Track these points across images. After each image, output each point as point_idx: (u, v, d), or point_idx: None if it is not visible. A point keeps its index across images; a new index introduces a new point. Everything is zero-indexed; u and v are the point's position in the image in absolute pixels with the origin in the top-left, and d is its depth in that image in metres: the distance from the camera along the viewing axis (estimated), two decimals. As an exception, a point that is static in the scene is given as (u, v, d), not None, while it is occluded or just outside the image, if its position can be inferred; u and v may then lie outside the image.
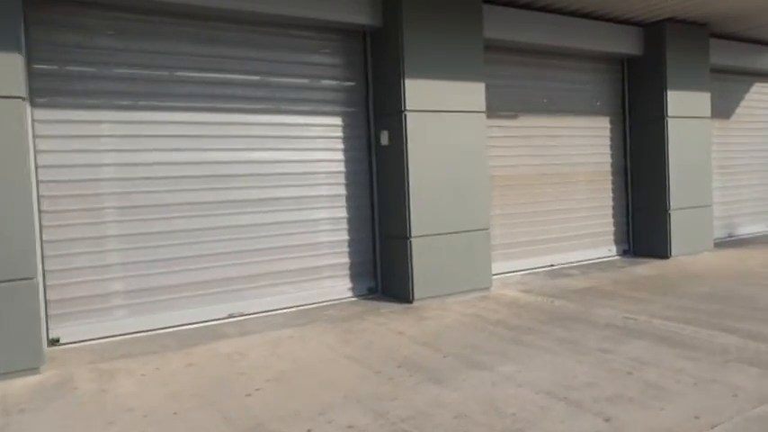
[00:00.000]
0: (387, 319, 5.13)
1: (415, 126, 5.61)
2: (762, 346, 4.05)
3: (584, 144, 7.82)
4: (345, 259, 5.89)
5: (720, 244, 8.79)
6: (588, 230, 7.86)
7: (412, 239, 5.63)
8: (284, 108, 5.56)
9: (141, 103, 4.92)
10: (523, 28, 6.73)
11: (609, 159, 8.07)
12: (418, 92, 5.62)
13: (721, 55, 8.69)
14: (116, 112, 4.82)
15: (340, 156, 5.86)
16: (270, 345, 4.46)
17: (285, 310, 5.50)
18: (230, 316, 5.27)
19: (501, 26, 6.51)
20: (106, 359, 4.26)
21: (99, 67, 4.76)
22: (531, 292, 6.08)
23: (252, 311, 5.37)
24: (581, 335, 4.47)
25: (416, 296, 5.65)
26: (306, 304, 5.64)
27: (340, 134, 5.87)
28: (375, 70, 5.93)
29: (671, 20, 7.65)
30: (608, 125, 8.07)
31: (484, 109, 6.09)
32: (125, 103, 4.86)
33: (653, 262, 7.56)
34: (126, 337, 4.82)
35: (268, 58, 5.47)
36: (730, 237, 9.41)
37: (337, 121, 5.85)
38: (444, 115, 5.81)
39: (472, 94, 5.98)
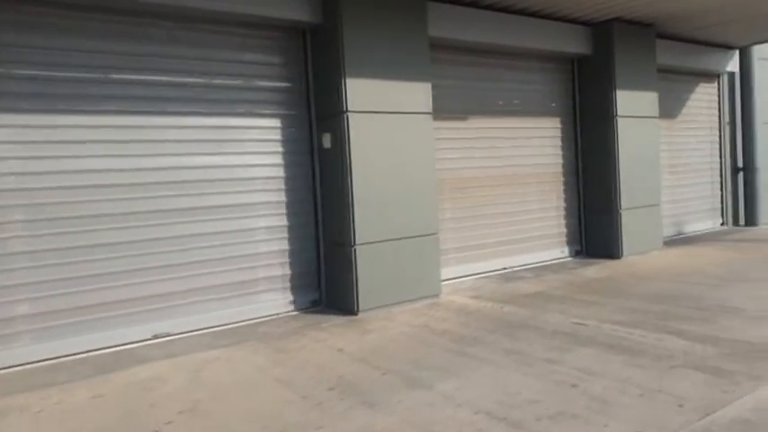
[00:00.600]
0: (328, 335, 4.85)
1: (357, 128, 5.36)
2: (708, 348, 3.94)
3: (535, 145, 7.72)
4: (286, 271, 5.59)
5: (670, 242, 8.84)
6: (541, 232, 7.76)
7: (356, 247, 5.37)
8: (217, 110, 5.23)
9: (53, 105, 4.51)
10: (470, 27, 6.55)
11: (560, 160, 7.99)
12: (361, 92, 5.37)
13: (668, 55, 8.74)
14: (21, 116, 4.39)
15: (279, 160, 5.55)
16: (193, 369, 4.12)
17: (217, 329, 5.14)
18: (155, 337, 4.88)
19: (447, 24, 6.32)
20: (0, 394, 3.81)
21: (6, 67, 4.34)
22: (481, 297, 5.90)
23: (179, 331, 4.99)
24: (528, 344, 4.29)
25: (361, 307, 5.40)
26: (240, 321, 5.31)
27: (279, 137, 5.56)
28: (315, 70, 5.65)
29: (618, 19, 7.62)
30: (559, 125, 7.99)
31: (430, 110, 5.89)
32: (31, 105, 4.43)
33: (604, 262, 7.51)
34: (32, 366, 4.32)
35: (199, 56, 5.13)
36: (679, 235, 9.49)
37: (276, 123, 5.55)
38: (389, 116, 5.57)
39: (418, 94, 5.77)
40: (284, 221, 5.58)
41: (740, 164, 10.35)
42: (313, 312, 5.61)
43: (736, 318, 4.64)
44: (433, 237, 5.90)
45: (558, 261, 7.78)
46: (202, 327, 5.12)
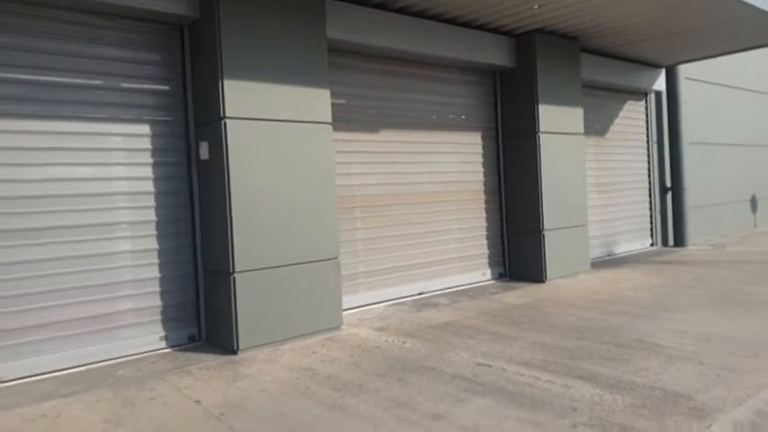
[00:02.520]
0: (193, 380, 4.10)
1: (238, 137, 4.66)
2: (617, 398, 3.42)
3: (455, 161, 7.21)
4: (156, 302, 4.80)
5: (598, 264, 8.49)
6: (461, 254, 7.23)
7: (236, 275, 4.64)
8: (72, 113, 4.43)
9: None
10: (380, 31, 5.98)
11: (482, 177, 7.51)
12: (243, 96, 4.68)
13: (594, 71, 8.46)
14: None
15: (148, 172, 4.79)
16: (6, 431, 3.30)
17: (66, 372, 4.31)
18: (-26, 386, 4.02)
19: (352, 27, 5.73)
20: None
21: None
22: (386, 330, 5.27)
23: (15, 377, 4.14)
24: (418, 392, 3.67)
25: (243, 345, 4.66)
26: (98, 362, 4.49)
27: (150, 146, 4.80)
28: (194, 71, 4.94)
29: (541, 31, 7.24)
30: (480, 141, 7.52)
31: (329, 119, 5.26)
32: None
33: (527, 287, 7.03)
34: None
35: (51, 49, 4.34)
36: (609, 256, 9.18)
37: (145, 130, 4.78)
38: (279, 125, 4.91)
39: (314, 101, 5.13)
40: (154, 244, 4.80)
41: (668, 183, 10.20)
42: (189, 350, 4.84)
43: (654, 356, 4.17)
44: (332, 262, 5.24)
45: (478, 285, 7.26)
46: (48, 370, 4.28)
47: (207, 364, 4.46)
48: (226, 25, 4.58)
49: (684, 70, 10.05)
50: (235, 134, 4.63)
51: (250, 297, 4.70)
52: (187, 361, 4.54)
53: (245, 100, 4.69)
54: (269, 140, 4.84)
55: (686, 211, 10.03)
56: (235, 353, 4.65)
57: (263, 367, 4.33)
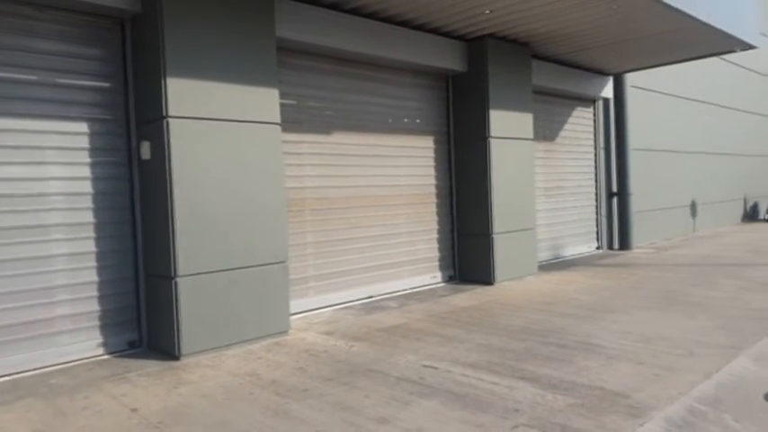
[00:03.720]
0: (131, 387, 3.95)
1: (182, 136, 4.53)
2: (558, 398, 3.47)
3: (406, 164, 7.22)
4: (94, 307, 4.61)
5: (546, 266, 8.66)
6: (412, 257, 7.25)
7: (178, 279, 4.50)
8: (2, 109, 4.21)
9: None
10: (332, 31, 5.94)
11: (433, 181, 7.55)
12: (187, 95, 4.56)
13: (544, 77, 8.64)
14: None
15: (86, 172, 4.60)
16: None
17: (-4, 380, 4.10)
18: None
19: (303, 26, 5.67)
20: None
21: None
22: (333, 334, 5.22)
23: (-64, 386, 3.91)
24: (364, 396, 3.64)
25: (185, 351, 4.53)
26: (32, 370, 4.28)
27: (87, 145, 4.61)
28: (136, 67, 4.77)
29: (492, 36, 7.34)
30: (432, 145, 7.56)
31: (278, 120, 5.17)
32: None
33: (476, 289, 7.10)
34: None
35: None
36: (556, 258, 9.38)
37: (83, 128, 4.59)
38: (224, 125, 4.79)
39: (262, 101, 5.04)
40: (92, 247, 4.61)
41: (614, 188, 10.51)
42: (128, 356, 4.66)
43: (595, 357, 4.27)
44: (279, 266, 5.15)
45: (429, 288, 7.29)
46: (-28, 381, 4.05)
47: (147, 370, 4.31)
48: (169, 21, 4.45)
49: (631, 78, 10.39)
50: (178, 134, 4.50)
51: (193, 301, 4.57)
52: (126, 368, 4.38)
53: (190, 98, 4.57)
54: (214, 140, 4.72)
55: (631, 216, 10.35)
56: (177, 358, 4.51)
57: (206, 373, 4.21)
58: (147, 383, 4.02)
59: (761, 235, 12.13)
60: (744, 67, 14.87)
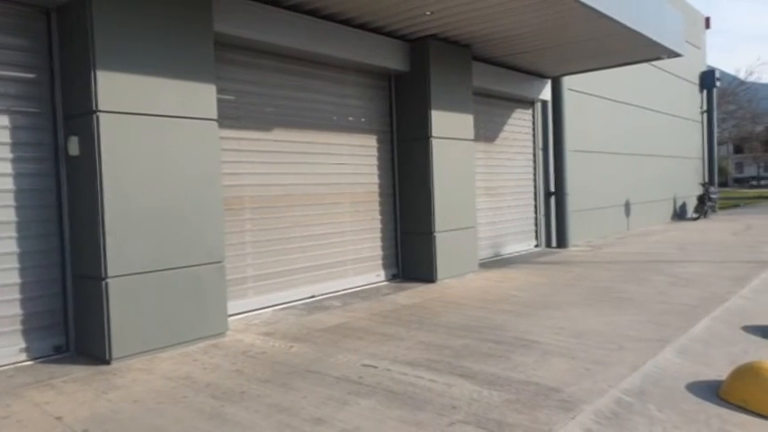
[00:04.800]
0: (56, 394, 3.76)
1: (112, 132, 4.35)
2: (494, 394, 3.54)
3: (349, 163, 7.20)
4: (15, 310, 4.36)
5: (486, 264, 8.84)
6: (354, 256, 7.23)
7: (108, 280, 4.32)
8: None
9: None
10: (272, 27, 5.85)
11: (376, 180, 7.56)
12: (117, 88, 4.37)
13: (485, 79, 8.80)
14: None
15: (9, 168, 4.34)
16: None
17: None
18: None
19: (242, 21, 5.55)
20: None
21: None
22: (273, 334, 5.14)
23: None
24: (302, 397, 3.60)
25: (117, 354, 4.35)
26: (-57, 377, 4.01)
27: (9, 139, 4.35)
28: (63, 59, 4.54)
29: (434, 37, 7.42)
30: (375, 143, 7.57)
31: (215, 116, 5.05)
32: None
33: (418, 287, 7.16)
34: None
35: None
36: (496, 256, 9.59)
37: (5, 121, 4.33)
38: (158, 120, 4.63)
39: (198, 96, 4.90)
40: (14, 247, 4.36)
41: (552, 188, 10.83)
42: (54, 362, 4.44)
43: (531, 352, 4.38)
44: (216, 266, 5.03)
45: (372, 286, 7.30)
46: None
47: (74, 375, 4.11)
48: (99, 10, 4.26)
49: (568, 82, 10.73)
50: (108, 129, 4.31)
51: (125, 303, 4.39)
52: (51, 374, 4.16)
53: (121, 92, 4.39)
54: (147, 136, 4.55)
55: (568, 215, 10.70)
56: (107, 363, 4.33)
57: (138, 377, 4.06)
58: (73, 390, 3.84)
59: (688, 233, 12.80)
60: (672, 74, 15.65)
